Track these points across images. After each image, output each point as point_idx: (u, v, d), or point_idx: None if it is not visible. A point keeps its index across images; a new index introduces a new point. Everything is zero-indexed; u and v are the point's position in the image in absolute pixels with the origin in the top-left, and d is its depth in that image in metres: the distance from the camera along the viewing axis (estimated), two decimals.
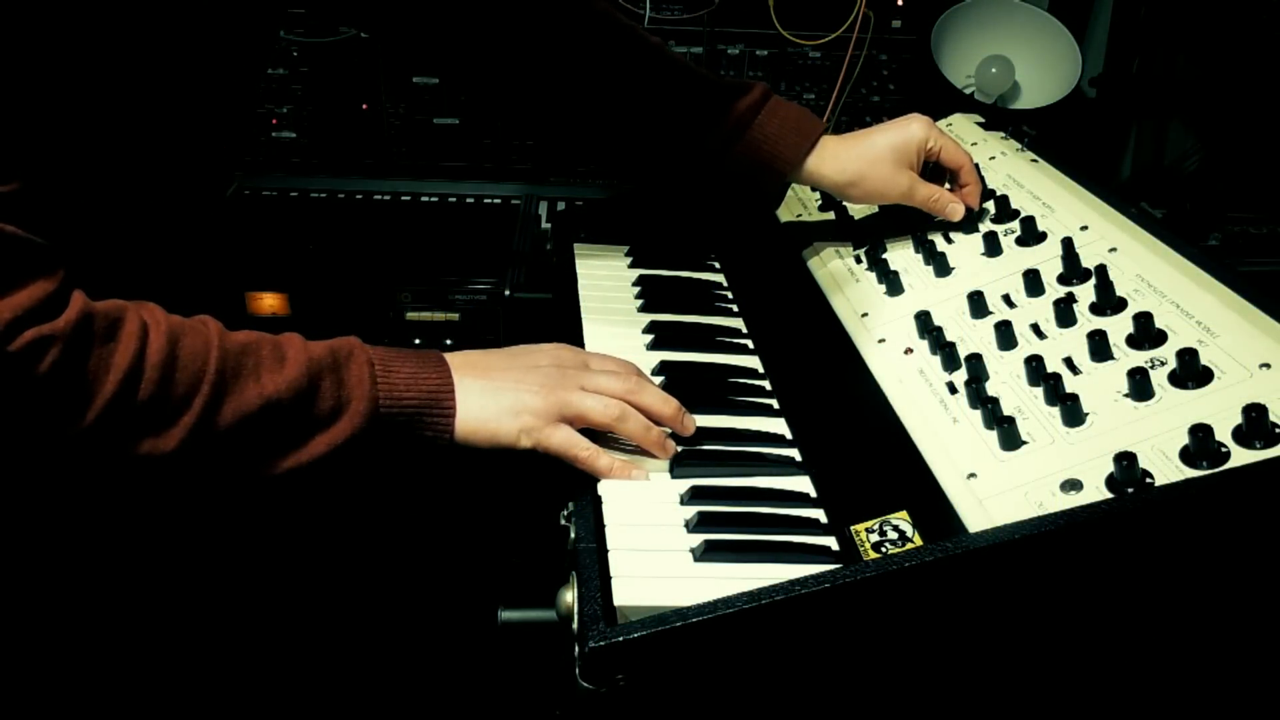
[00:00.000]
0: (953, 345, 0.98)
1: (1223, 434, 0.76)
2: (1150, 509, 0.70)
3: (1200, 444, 0.75)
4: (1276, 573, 0.72)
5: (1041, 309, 0.97)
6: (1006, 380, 0.93)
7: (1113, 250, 1.00)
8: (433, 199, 1.73)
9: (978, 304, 1.02)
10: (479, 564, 1.46)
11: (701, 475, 0.92)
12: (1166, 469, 0.76)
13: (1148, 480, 0.76)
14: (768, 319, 1.20)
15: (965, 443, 0.89)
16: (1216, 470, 0.74)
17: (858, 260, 1.20)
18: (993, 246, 1.09)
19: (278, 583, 1.26)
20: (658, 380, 1.04)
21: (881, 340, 1.07)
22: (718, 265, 1.33)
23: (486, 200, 1.73)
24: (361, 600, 1.37)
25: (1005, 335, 0.96)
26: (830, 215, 1.32)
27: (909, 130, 1.17)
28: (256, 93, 1.58)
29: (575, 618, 0.75)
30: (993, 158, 1.24)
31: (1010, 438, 0.86)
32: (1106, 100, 1.84)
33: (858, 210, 1.30)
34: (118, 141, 0.88)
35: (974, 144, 1.28)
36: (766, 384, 1.08)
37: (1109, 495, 0.77)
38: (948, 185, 1.19)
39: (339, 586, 1.34)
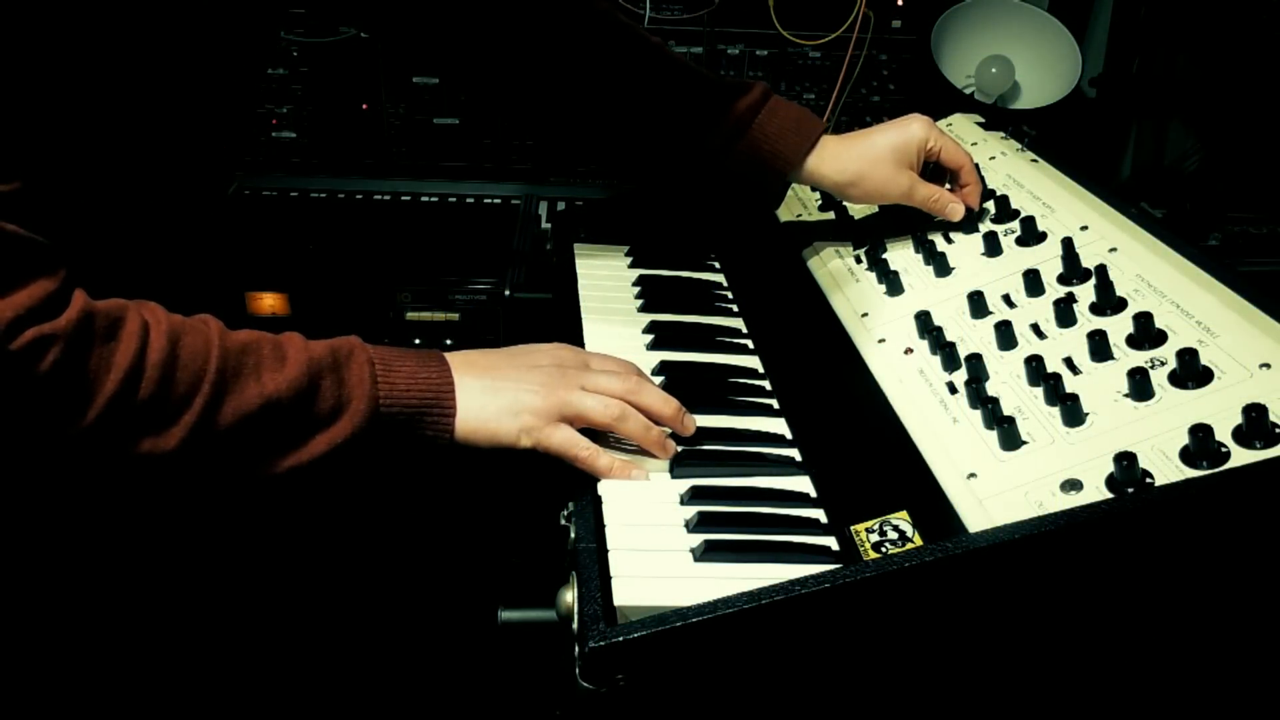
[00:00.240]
0: (953, 345, 0.98)
1: (1223, 434, 0.76)
2: (1150, 509, 0.70)
3: (1200, 444, 0.75)
4: (1276, 573, 0.72)
5: (1041, 309, 0.97)
6: (1006, 380, 0.93)
7: (1113, 250, 1.00)
8: (433, 199, 1.73)
9: (978, 304, 1.02)
10: (479, 564, 1.46)
11: (701, 475, 0.92)
12: (1166, 469, 0.76)
13: (1148, 480, 0.76)
14: (768, 319, 1.20)
15: (965, 443, 0.89)
16: (1216, 470, 0.74)
17: (858, 260, 1.20)
18: (993, 246, 1.09)
19: (278, 582, 1.26)
20: (658, 380, 1.04)
21: (881, 340, 1.07)
22: (718, 265, 1.33)
23: (486, 200, 1.73)
24: (362, 600, 1.37)
25: (1005, 335, 0.96)
26: (830, 215, 1.32)
27: (909, 130, 1.17)
28: (256, 93, 1.58)
29: (575, 618, 0.75)
30: (993, 158, 1.24)
31: (1010, 438, 0.86)
32: (1106, 100, 1.84)
33: (858, 210, 1.30)
34: (118, 141, 0.88)
35: (974, 144, 1.28)
36: (766, 384, 1.08)
37: (1109, 495, 0.77)
38: (948, 185, 1.19)
39: (339, 586, 1.34)
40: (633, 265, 1.30)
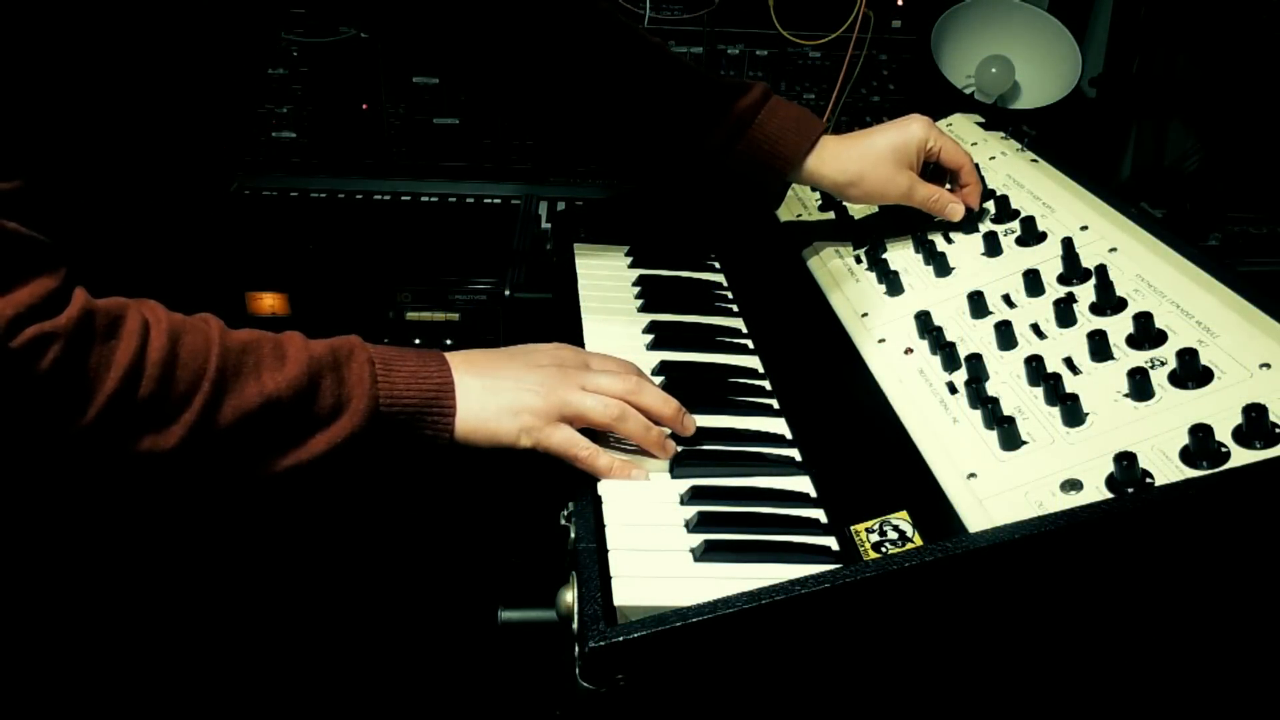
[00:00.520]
0: (953, 345, 0.98)
1: (1223, 434, 0.76)
2: (1150, 509, 0.70)
3: (1200, 444, 0.75)
4: (1276, 573, 0.72)
5: (1041, 309, 0.97)
6: (1006, 380, 0.93)
7: (1113, 250, 1.00)
8: (433, 199, 1.73)
9: (978, 304, 1.02)
10: (479, 564, 1.46)
11: (701, 475, 0.92)
12: (1166, 469, 0.76)
13: (1148, 480, 0.76)
14: (768, 319, 1.20)
15: (965, 443, 0.89)
16: (1216, 470, 0.74)
17: (858, 260, 1.20)
18: (993, 246, 1.09)
19: (277, 582, 1.26)
20: (658, 380, 1.04)
21: (881, 340, 1.07)
22: (718, 265, 1.33)
23: (486, 200, 1.73)
24: (362, 600, 1.37)
25: (1005, 335, 0.96)
26: (830, 215, 1.32)
27: (909, 130, 1.17)
28: (257, 93, 1.58)
29: (575, 618, 0.75)
30: (993, 158, 1.24)
31: (1010, 438, 0.86)
32: (1106, 100, 1.84)
33: (858, 210, 1.30)
34: (118, 140, 0.88)
35: (974, 144, 1.28)
36: (766, 384, 1.08)
37: (1109, 495, 0.77)
38: (948, 185, 1.19)
39: (339, 586, 1.34)
40: (633, 265, 1.30)
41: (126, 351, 0.78)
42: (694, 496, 0.89)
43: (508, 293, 1.53)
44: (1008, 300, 1.01)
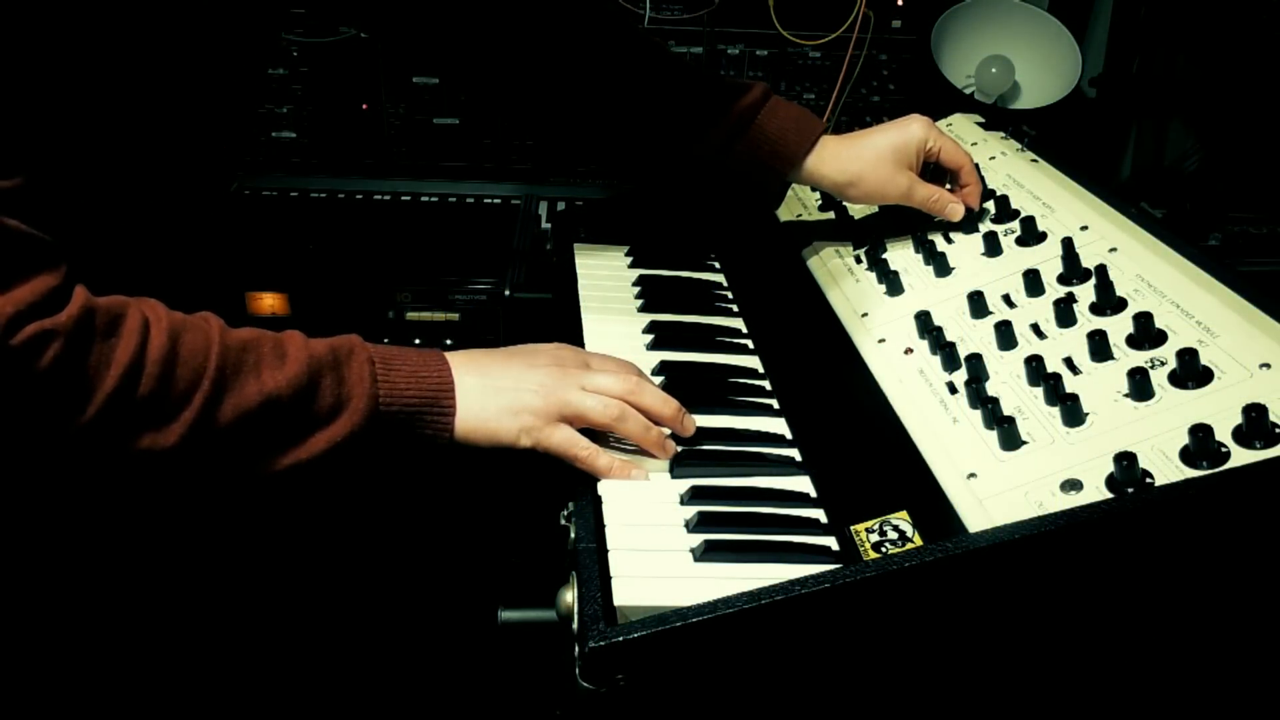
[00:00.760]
0: (953, 345, 0.98)
1: (1223, 434, 0.76)
2: (1150, 509, 0.70)
3: (1200, 444, 0.75)
4: (1276, 573, 0.72)
5: (1041, 309, 0.97)
6: (1006, 380, 0.93)
7: (1113, 250, 1.00)
8: (433, 199, 1.73)
9: (978, 304, 1.02)
10: (479, 564, 1.46)
11: (701, 475, 0.92)
12: (1166, 469, 0.76)
13: (1148, 480, 0.76)
14: (768, 319, 1.20)
15: (965, 443, 0.89)
16: (1216, 470, 0.74)
17: (858, 260, 1.20)
18: (993, 246, 1.09)
19: (277, 582, 1.26)
20: (658, 380, 1.04)
21: (881, 340, 1.07)
22: (718, 265, 1.33)
23: (486, 200, 1.73)
24: (361, 600, 1.37)
25: (1005, 335, 0.96)
26: (830, 215, 1.32)
27: (909, 131, 1.17)
28: (257, 93, 1.58)
29: (575, 618, 0.75)
30: (993, 158, 1.24)
31: (1010, 438, 0.86)
32: (1106, 100, 1.84)
33: (858, 210, 1.30)
34: (119, 140, 0.88)
35: (974, 144, 1.28)
36: (766, 384, 1.08)
37: (1109, 495, 0.77)
38: (948, 186, 1.19)
39: (339, 586, 1.34)
40: (633, 265, 1.30)
41: (127, 350, 0.78)
42: (694, 496, 0.89)
43: (508, 293, 1.53)
44: (1008, 300, 1.01)
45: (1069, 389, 0.87)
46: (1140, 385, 0.83)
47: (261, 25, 1.04)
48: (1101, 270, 0.96)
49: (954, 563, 0.70)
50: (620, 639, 0.68)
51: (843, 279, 1.19)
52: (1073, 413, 0.84)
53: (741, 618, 0.68)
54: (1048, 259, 1.03)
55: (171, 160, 0.97)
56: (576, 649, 0.70)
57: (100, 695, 1.08)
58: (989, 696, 0.76)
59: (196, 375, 0.81)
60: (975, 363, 0.95)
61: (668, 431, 0.94)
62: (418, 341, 1.57)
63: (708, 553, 0.82)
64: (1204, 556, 0.72)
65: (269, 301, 1.54)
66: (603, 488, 0.89)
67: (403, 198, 1.72)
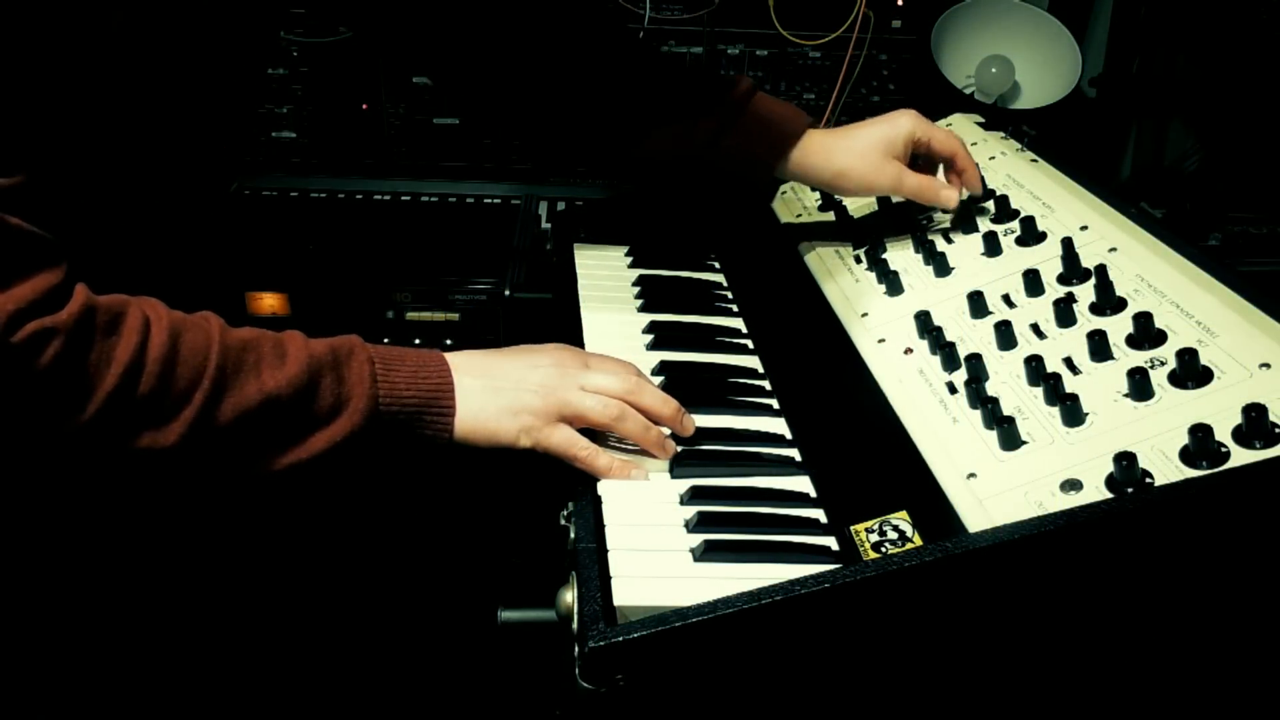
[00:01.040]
0: (953, 345, 0.98)
1: (1223, 434, 0.76)
2: (1150, 509, 0.70)
3: (1200, 444, 0.75)
4: (1276, 573, 0.72)
5: (1041, 309, 0.97)
6: (1006, 380, 0.93)
7: (1113, 250, 1.00)
8: (433, 199, 1.73)
9: (978, 304, 1.02)
10: (479, 564, 1.46)
11: (701, 475, 0.92)
12: (1166, 469, 0.76)
13: (1148, 480, 0.76)
14: (768, 319, 1.20)
15: (965, 443, 0.89)
16: (1216, 470, 0.74)
17: (858, 260, 1.20)
18: (993, 246, 1.09)
19: (277, 582, 1.26)
20: (657, 380, 1.04)
21: (881, 340, 1.07)
22: (718, 265, 1.33)
23: (486, 200, 1.73)
24: (361, 600, 1.37)
25: (1005, 335, 0.96)
26: (830, 215, 1.32)
27: (896, 123, 1.17)
28: (257, 93, 1.58)
29: (575, 618, 0.75)
30: (993, 158, 1.24)
31: (1010, 438, 0.86)
32: (1106, 100, 1.84)
33: (857, 210, 1.30)
34: (119, 139, 0.89)
35: (974, 144, 1.28)
36: (766, 384, 1.08)
37: (1109, 495, 0.77)
38: (944, 176, 1.19)
39: (339, 586, 1.34)
40: (633, 265, 1.30)
41: (127, 348, 0.79)
42: (694, 496, 0.89)
43: (508, 293, 1.53)
44: (1008, 300, 1.01)
45: (1069, 389, 0.87)
46: (1140, 385, 0.83)
47: (261, 25, 1.04)
48: (1101, 270, 0.96)
49: (954, 563, 0.70)
50: (620, 639, 0.68)
51: (842, 279, 1.19)
52: (1073, 413, 0.84)
53: (741, 618, 0.68)
54: (1048, 259, 1.03)
55: (171, 160, 0.97)
56: (576, 649, 0.70)
57: (100, 695, 1.08)
58: (989, 697, 0.76)
59: (197, 374, 0.81)
60: (975, 363, 0.95)
61: (667, 431, 0.94)
62: (418, 341, 1.57)
63: (707, 553, 0.82)
64: (1204, 556, 0.72)
65: (269, 301, 1.54)
66: (602, 488, 0.89)
67: (403, 198, 1.72)
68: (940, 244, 1.15)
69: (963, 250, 1.12)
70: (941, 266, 1.10)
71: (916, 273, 1.13)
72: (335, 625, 1.34)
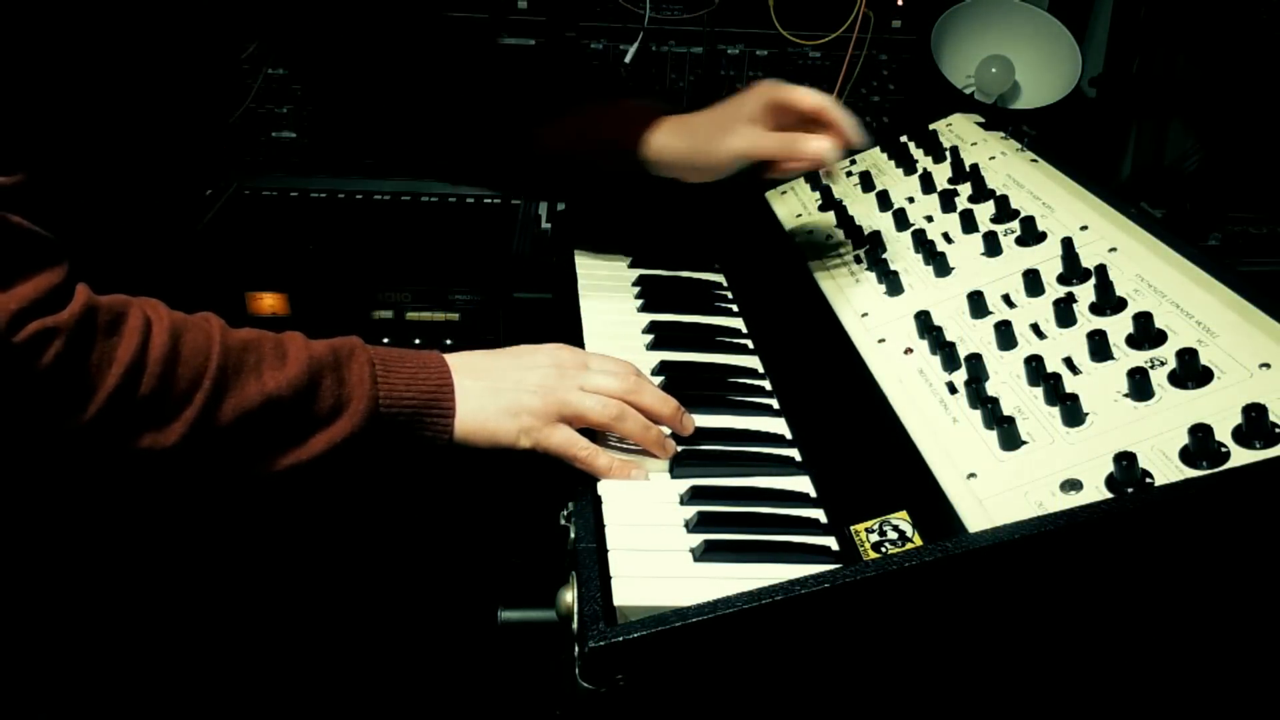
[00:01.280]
0: (953, 345, 0.98)
1: (1223, 434, 0.76)
2: (1150, 509, 0.70)
3: (1200, 444, 0.75)
4: (1276, 573, 0.72)
5: (1041, 309, 0.97)
6: (1006, 380, 0.93)
7: (1113, 250, 1.00)
8: (433, 199, 1.73)
9: (978, 304, 1.02)
10: (479, 564, 1.46)
11: (701, 475, 0.92)
12: (1166, 469, 0.76)
13: (1148, 480, 0.76)
14: (768, 319, 1.20)
15: (965, 443, 0.89)
16: (1216, 470, 0.74)
17: (858, 260, 1.20)
18: (992, 246, 1.09)
19: (277, 582, 1.26)
20: (657, 380, 1.04)
21: (881, 340, 1.06)
22: (718, 265, 1.33)
23: (486, 200, 1.73)
24: (361, 600, 1.37)
25: (1005, 335, 0.96)
26: (830, 215, 1.32)
27: (751, 90, 1.14)
28: (256, 93, 1.58)
29: (575, 618, 0.75)
30: (993, 158, 1.24)
31: (1010, 438, 0.86)
32: (1106, 100, 1.84)
33: (858, 210, 1.30)
34: (119, 138, 0.89)
35: (974, 144, 1.28)
36: (766, 384, 1.08)
37: (1109, 495, 0.77)
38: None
39: (338, 586, 1.34)
40: (633, 265, 1.30)
41: (128, 348, 0.79)
42: (694, 496, 0.89)
43: (508, 293, 1.53)
44: (1007, 300, 1.01)
45: (1069, 389, 0.87)
46: (1140, 385, 0.83)
47: (261, 25, 1.04)
48: (1101, 270, 0.96)
49: (954, 563, 0.70)
50: (620, 639, 0.68)
51: (842, 279, 1.19)
52: (1073, 413, 0.84)
53: (741, 618, 0.68)
54: (1047, 259, 1.03)
55: (171, 159, 0.97)
56: (576, 649, 0.70)
57: (100, 695, 1.08)
58: (989, 697, 0.76)
59: (197, 375, 0.81)
60: (975, 363, 0.95)
61: (667, 431, 0.94)
62: (418, 342, 1.57)
63: (707, 553, 0.82)
64: (1204, 557, 0.72)
65: (269, 301, 1.54)
66: (602, 488, 0.89)
67: (403, 198, 1.72)
68: (940, 244, 1.14)
69: (963, 250, 1.12)
70: (941, 266, 1.10)
71: (916, 272, 1.13)
72: (335, 625, 1.33)
